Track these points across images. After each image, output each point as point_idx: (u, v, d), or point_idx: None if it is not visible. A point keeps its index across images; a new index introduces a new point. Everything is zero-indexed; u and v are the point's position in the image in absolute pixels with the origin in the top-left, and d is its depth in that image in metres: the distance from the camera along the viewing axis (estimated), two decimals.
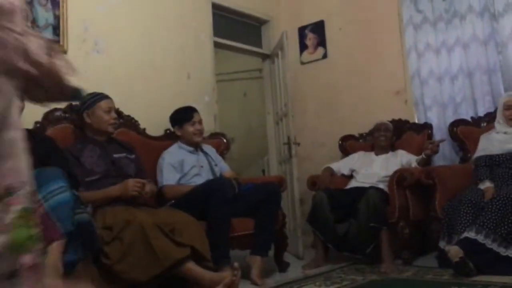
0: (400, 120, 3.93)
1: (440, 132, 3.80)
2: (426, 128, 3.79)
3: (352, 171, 3.69)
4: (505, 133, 3.20)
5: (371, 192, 3.16)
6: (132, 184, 2.53)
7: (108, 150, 2.73)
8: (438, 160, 3.78)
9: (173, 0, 3.82)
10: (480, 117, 3.64)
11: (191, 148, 3.20)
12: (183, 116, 3.23)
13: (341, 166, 3.79)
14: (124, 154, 2.80)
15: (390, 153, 3.64)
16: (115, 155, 2.74)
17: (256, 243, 2.91)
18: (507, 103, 3.22)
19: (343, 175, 3.75)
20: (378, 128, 3.74)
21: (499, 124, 3.26)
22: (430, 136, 3.74)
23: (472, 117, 3.68)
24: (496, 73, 3.62)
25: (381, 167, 3.52)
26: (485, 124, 3.56)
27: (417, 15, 3.98)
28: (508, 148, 3.09)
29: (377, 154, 3.69)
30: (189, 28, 3.92)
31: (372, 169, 3.56)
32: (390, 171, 3.35)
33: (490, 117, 3.53)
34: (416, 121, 3.94)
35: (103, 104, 2.73)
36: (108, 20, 3.34)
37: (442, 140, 3.46)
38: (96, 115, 2.71)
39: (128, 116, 3.26)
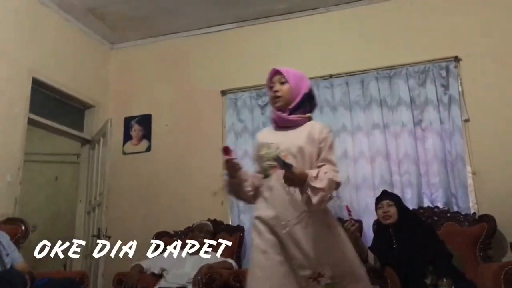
0: (215, 220, 4.00)
1: (250, 236, 3.95)
2: (238, 230, 3.92)
3: (163, 270, 3.55)
4: None
5: None
6: None
7: None
8: (247, 263, 3.89)
9: None
10: None
11: None
12: None
13: (152, 264, 3.62)
14: None
15: (203, 253, 3.62)
16: None
17: None
18: None
19: (153, 273, 3.58)
20: (200, 228, 3.74)
21: None
22: (241, 239, 3.86)
23: None
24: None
25: (193, 268, 3.45)
26: None
27: (239, 123, 4.31)
28: None
29: (190, 254, 3.63)
30: (1, 98, 3.55)
31: (184, 269, 3.47)
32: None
33: None
34: (230, 223, 4.06)
35: None
36: None
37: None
38: None
39: None
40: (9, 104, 3.62)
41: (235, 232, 3.90)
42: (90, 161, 4.43)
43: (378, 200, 3.26)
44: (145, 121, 4.63)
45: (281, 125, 2.17)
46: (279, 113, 2.15)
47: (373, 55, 4.10)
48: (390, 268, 2.86)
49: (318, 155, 2.04)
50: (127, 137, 4.65)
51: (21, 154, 3.69)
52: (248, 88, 4.35)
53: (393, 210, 3.14)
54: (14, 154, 3.62)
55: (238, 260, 3.73)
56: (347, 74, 4.12)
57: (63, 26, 4.30)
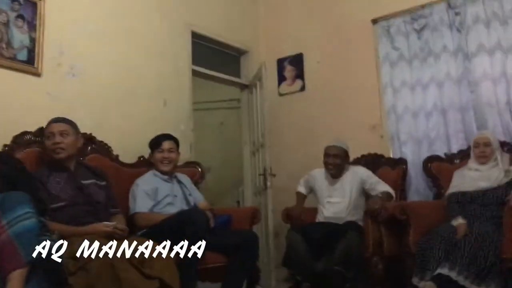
0: (375, 154, 3.95)
1: (414, 168, 3.83)
2: (401, 163, 3.81)
3: (311, 190, 3.67)
4: (476, 170, 3.24)
5: (350, 237, 3.07)
6: (102, 230, 2.40)
7: (76, 176, 2.63)
8: (413, 196, 3.81)
9: (152, 27, 3.81)
10: (453, 154, 3.69)
11: (165, 177, 3.14)
12: (153, 143, 3.20)
13: (303, 187, 3.75)
14: (93, 181, 2.69)
15: (347, 173, 3.55)
16: (83, 181, 2.63)
17: (228, 283, 2.84)
18: (477, 141, 3.28)
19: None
20: (326, 153, 3.59)
21: (472, 161, 3.31)
22: (405, 172, 3.76)
23: (445, 154, 3.72)
24: (468, 111, 3.70)
25: (341, 195, 3.48)
26: (458, 161, 3.60)
27: (393, 52, 4.07)
28: (480, 185, 3.13)
29: (332, 183, 3.58)
30: (167, 55, 3.90)
31: (334, 198, 3.50)
32: (352, 198, 3.40)
33: (463, 154, 3.58)
34: (391, 156, 3.97)
35: (47, 129, 2.63)
36: (85, 44, 3.30)
37: None
38: (45, 142, 2.63)
39: (101, 142, 3.18)
40: (174, 59, 3.96)
41: (398, 165, 3.80)
42: (250, 105, 4.67)
43: None
44: (297, 60, 4.67)
45: None
46: None
47: None
48: None
49: None
50: (281, 78, 4.76)
51: (190, 104, 4.05)
52: (401, 13, 4.05)
53: None
54: (184, 105, 3.99)
55: (403, 193, 3.66)
56: None
57: None
